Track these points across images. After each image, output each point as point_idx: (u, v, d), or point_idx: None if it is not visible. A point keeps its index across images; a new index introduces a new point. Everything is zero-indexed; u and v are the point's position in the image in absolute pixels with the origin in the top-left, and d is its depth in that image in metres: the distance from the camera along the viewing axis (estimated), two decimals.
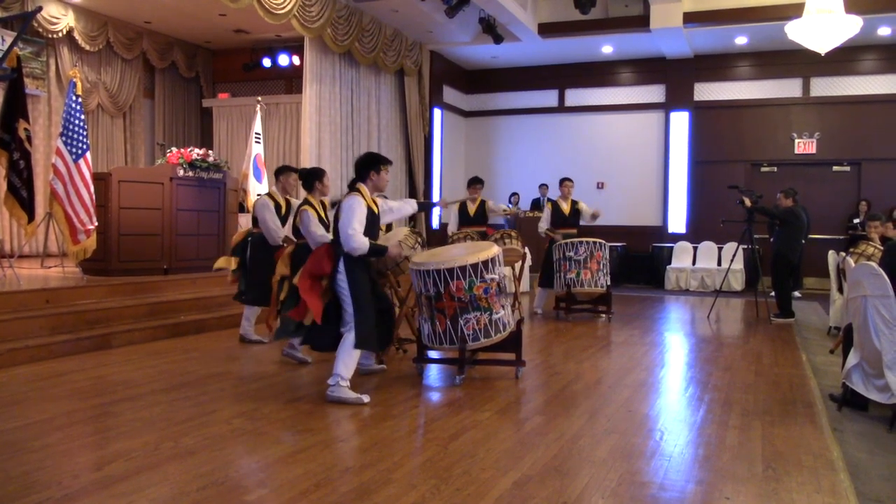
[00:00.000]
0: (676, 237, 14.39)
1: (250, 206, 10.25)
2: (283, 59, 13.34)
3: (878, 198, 12.87)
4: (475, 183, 9.07)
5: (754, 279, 11.15)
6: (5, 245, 10.42)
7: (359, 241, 4.94)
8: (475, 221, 8.95)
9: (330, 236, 5.65)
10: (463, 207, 9.01)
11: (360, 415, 4.68)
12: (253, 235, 7.11)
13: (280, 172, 7.15)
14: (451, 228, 9.07)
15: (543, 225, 9.59)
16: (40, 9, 4.59)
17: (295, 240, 6.45)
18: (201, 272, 9.01)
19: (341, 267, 4.99)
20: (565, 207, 9.51)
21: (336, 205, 5.24)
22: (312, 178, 6.22)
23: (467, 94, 16.20)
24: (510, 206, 14.40)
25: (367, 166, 5.20)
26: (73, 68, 9.63)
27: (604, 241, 9.23)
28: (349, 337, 4.98)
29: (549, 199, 9.77)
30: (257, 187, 10.70)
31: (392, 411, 4.79)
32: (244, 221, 10.50)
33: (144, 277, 8.44)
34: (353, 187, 5.20)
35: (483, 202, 9.06)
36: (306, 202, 6.09)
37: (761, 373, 6.24)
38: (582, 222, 9.59)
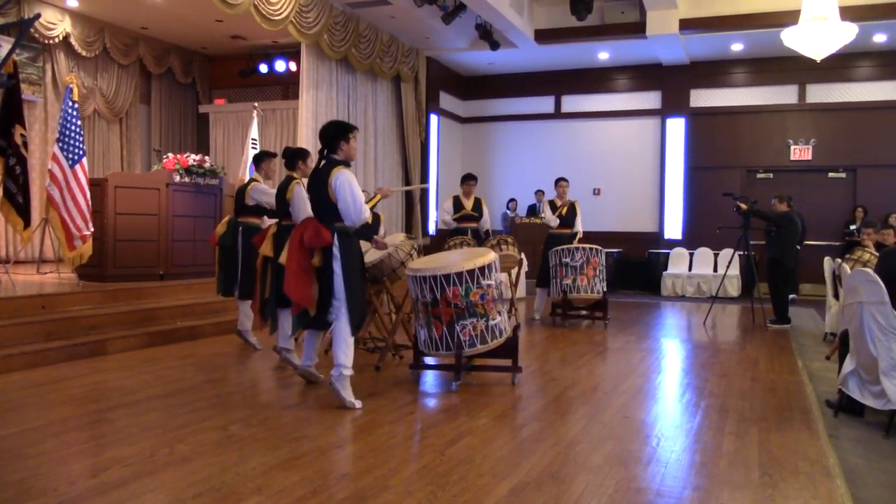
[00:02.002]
0: (672, 243, 14.40)
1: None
2: (280, 65, 13.35)
3: (873, 204, 12.90)
4: (469, 179, 9.13)
5: (750, 285, 11.18)
6: (1, 251, 10.41)
7: (367, 212, 5.01)
8: (469, 218, 8.97)
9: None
10: (458, 202, 9.02)
11: (357, 421, 4.67)
12: (244, 224, 7.02)
13: (261, 159, 7.13)
14: (446, 218, 9.09)
15: (552, 224, 9.63)
16: (39, 16, 4.58)
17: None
18: (197, 278, 9.00)
19: (336, 242, 4.92)
20: (560, 206, 9.55)
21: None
22: (296, 157, 6.26)
23: (464, 100, 16.22)
24: (508, 212, 14.41)
25: (337, 135, 5.06)
26: (69, 74, 9.64)
27: (600, 248, 9.24)
28: (342, 325, 4.92)
29: (547, 200, 9.82)
30: None
31: (388, 417, 4.78)
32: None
33: (140, 283, 8.43)
34: (329, 160, 5.05)
35: (479, 200, 9.10)
36: (293, 179, 6.10)
37: (757, 379, 6.24)
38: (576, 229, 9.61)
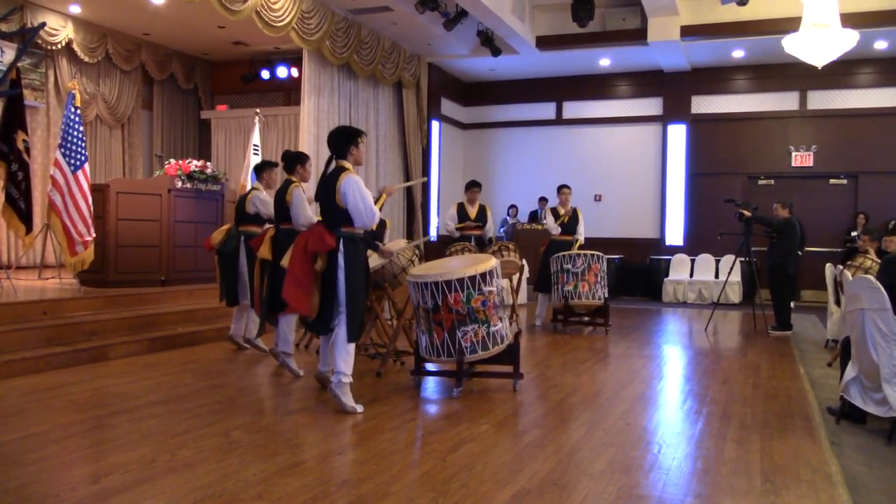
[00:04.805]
0: (674, 249, 14.39)
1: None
2: (282, 71, 13.37)
3: (874, 211, 12.88)
4: (473, 186, 9.27)
5: (752, 291, 11.16)
6: (3, 256, 10.41)
7: (378, 214, 5.05)
8: (474, 226, 9.13)
9: (314, 218, 5.69)
10: (462, 210, 9.14)
11: (358, 427, 4.67)
12: (246, 233, 7.05)
13: (262, 168, 7.20)
14: (449, 226, 9.23)
15: (553, 232, 9.70)
16: (44, 25, 4.59)
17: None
18: (198, 284, 9.01)
19: (341, 247, 4.94)
20: (563, 214, 9.57)
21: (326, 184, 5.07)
22: (295, 161, 6.27)
23: (465, 106, 16.24)
24: (509, 218, 14.40)
25: (348, 140, 5.09)
26: (72, 80, 9.66)
27: (601, 254, 9.24)
28: (341, 332, 4.94)
29: (549, 207, 9.90)
30: None
31: (389, 424, 4.78)
32: None
33: (141, 289, 8.43)
34: (337, 166, 5.08)
35: (483, 207, 9.27)
36: (292, 182, 6.11)
37: (759, 386, 6.23)
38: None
